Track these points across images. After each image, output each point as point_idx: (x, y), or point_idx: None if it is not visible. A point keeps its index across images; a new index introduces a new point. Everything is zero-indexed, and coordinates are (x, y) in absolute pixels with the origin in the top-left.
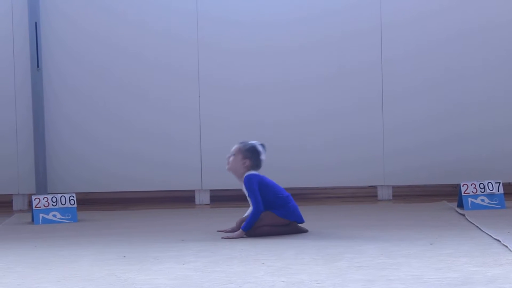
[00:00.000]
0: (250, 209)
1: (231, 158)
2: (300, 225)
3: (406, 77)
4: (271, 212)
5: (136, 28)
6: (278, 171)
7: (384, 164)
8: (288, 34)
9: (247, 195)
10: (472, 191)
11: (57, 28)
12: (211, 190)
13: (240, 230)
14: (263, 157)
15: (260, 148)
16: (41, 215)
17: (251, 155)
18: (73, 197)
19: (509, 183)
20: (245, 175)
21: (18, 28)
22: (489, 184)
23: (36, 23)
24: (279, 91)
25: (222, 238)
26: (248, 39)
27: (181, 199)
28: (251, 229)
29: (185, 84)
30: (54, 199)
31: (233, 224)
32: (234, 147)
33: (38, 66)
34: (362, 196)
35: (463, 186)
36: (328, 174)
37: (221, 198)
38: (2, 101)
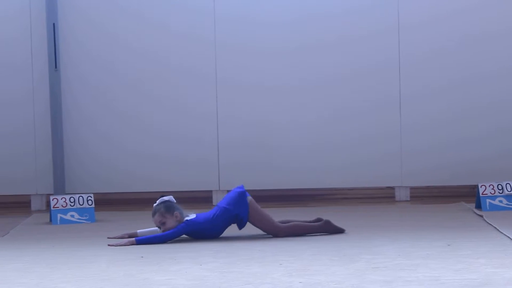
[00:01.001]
0: (153, 229)
1: (166, 227)
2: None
3: (424, 77)
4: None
5: (154, 29)
6: (295, 171)
7: (402, 165)
8: (305, 33)
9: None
10: (490, 192)
11: (75, 29)
12: (228, 191)
13: (133, 240)
14: (173, 199)
15: (167, 198)
16: (59, 215)
17: (173, 208)
18: (91, 197)
19: None
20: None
21: (36, 29)
22: (507, 185)
23: (54, 24)
24: (295, 90)
25: (109, 245)
26: (264, 39)
27: (199, 200)
28: (286, 231)
29: (203, 84)
30: (72, 200)
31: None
32: (155, 218)
33: (56, 67)
34: (379, 197)
35: (481, 187)
36: (346, 175)
37: None
38: (20, 102)
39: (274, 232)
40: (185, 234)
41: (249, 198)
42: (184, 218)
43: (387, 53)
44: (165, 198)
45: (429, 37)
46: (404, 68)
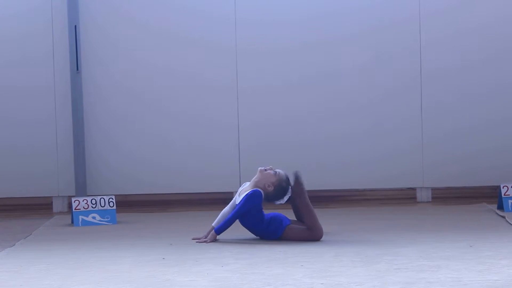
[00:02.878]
0: (218, 218)
1: (271, 171)
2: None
3: (445, 88)
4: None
5: (174, 42)
6: (314, 172)
7: (423, 166)
8: (322, 29)
9: (238, 199)
10: None
11: (95, 46)
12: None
13: (213, 232)
14: (279, 201)
15: (286, 196)
16: (80, 217)
17: (279, 191)
18: (112, 199)
19: None
20: (256, 188)
21: (58, 33)
22: None
23: (75, 26)
24: (315, 85)
25: (196, 242)
26: (281, 37)
27: (219, 201)
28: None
29: (224, 93)
30: (93, 201)
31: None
32: (282, 171)
33: (77, 69)
34: (400, 198)
35: (503, 187)
36: (366, 175)
37: None
38: (41, 96)
39: (311, 237)
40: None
41: (289, 225)
42: (267, 197)
43: (407, 42)
44: (290, 183)
45: (450, 23)
46: (425, 56)
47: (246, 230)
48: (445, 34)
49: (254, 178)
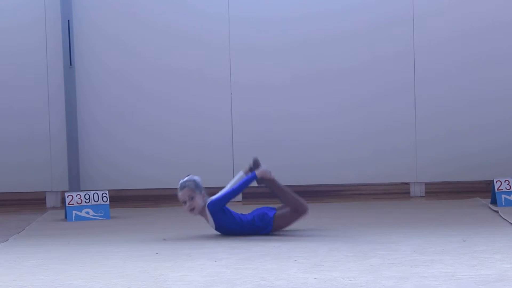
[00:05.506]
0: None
1: (193, 203)
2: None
3: (439, 95)
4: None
5: (168, 37)
6: (308, 167)
7: (417, 161)
8: (316, 28)
9: (212, 218)
10: (506, 188)
11: (87, 37)
12: None
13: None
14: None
15: (196, 177)
16: (74, 212)
17: (201, 187)
18: (106, 194)
19: None
20: (206, 206)
21: (51, 26)
22: None
23: (68, 21)
24: (308, 84)
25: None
26: (279, 36)
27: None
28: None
29: (217, 88)
30: (87, 196)
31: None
32: (183, 193)
33: (70, 64)
34: (394, 193)
35: (496, 182)
36: (360, 171)
37: (253, 195)
38: (35, 97)
39: (299, 214)
40: (221, 209)
41: (275, 214)
42: (207, 200)
43: (400, 43)
44: (194, 177)
45: (443, 25)
46: (419, 57)
47: None
48: (439, 37)
49: (202, 215)
